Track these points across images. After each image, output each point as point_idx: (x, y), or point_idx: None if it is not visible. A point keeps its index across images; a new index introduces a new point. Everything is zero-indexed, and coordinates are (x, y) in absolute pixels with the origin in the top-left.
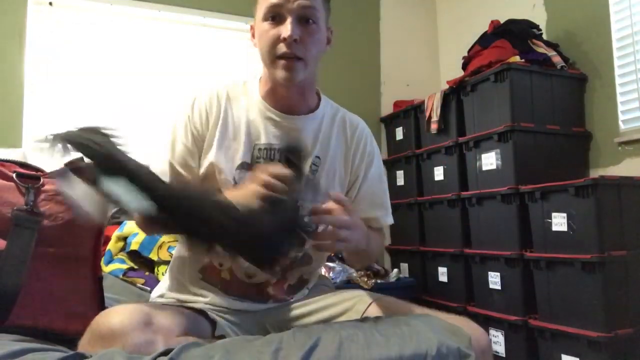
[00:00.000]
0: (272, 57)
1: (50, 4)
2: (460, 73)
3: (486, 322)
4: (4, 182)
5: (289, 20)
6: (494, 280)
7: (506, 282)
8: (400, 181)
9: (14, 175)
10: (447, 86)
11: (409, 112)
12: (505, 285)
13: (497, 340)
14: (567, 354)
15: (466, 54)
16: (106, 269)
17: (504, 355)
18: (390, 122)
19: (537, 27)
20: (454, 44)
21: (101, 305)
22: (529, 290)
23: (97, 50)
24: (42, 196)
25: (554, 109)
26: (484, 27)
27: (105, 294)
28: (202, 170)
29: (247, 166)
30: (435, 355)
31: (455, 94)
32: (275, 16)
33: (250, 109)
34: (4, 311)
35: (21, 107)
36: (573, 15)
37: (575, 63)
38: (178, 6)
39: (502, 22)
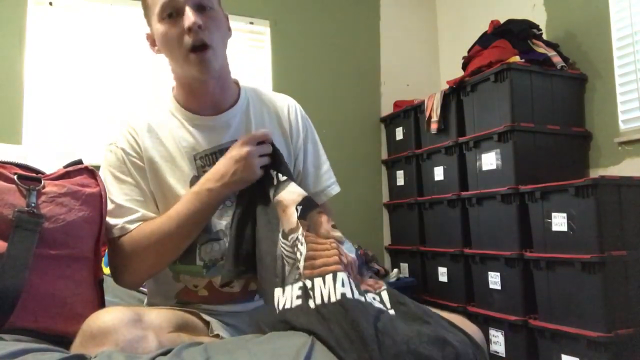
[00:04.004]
0: (182, 53)
1: (50, 4)
2: (460, 73)
3: (486, 322)
4: (5, 184)
5: (187, 10)
6: (494, 280)
7: (506, 282)
8: (400, 181)
9: (15, 177)
10: (447, 86)
11: (409, 112)
12: (505, 285)
13: (497, 340)
14: (567, 354)
15: (466, 54)
16: (107, 270)
17: (504, 355)
18: (390, 122)
19: (537, 27)
20: (454, 44)
21: (102, 307)
22: (529, 290)
23: (96, 50)
24: (43, 198)
25: (554, 109)
26: (484, 27)
27: (106, 296)
28: (157, 196)
29: (197, 180)
30: None
31: (455, 94)
32: (171, 13)
33: (175, 126)
34: (5, 313)
35: (21, 106)
36: (573, 15)
37: (575, 63)
38: None
39: (502, 22)
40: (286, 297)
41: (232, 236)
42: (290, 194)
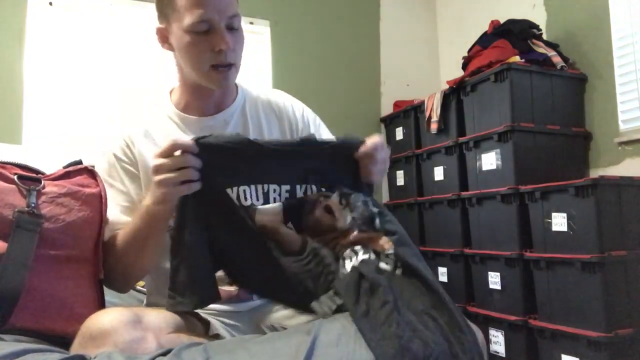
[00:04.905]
0: (204, 68)
1: (50, 4)
2: (460, 73)
3: (486, 322)
4: (5, 184)
5: (221, 31)
6: (494, 280)
7: (506, 282)
8: (400, 181)
9: (15, 177)
10: (447, 86)
11: (409, 112)
12: (505, 285)
13: (497, 340)
14: (567, 354)
15: (466, 54)
16: None
17: (504, 355)
18: (390, 122)
19: (537, 27)
20: (454, 44)
21: (102, 308)
22: (529, 290)
23: (96, 50)
24: (43, 198)
25: (554, 109)
26: (484, 27)
27: (106, 296)
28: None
29: None
30: None
31: (455, 94)
32: (205, 28)
33: (173, 130)
34: (5, 313)
35: (21, 106)
36: (573, 15)
37: (575, 63)
38: None
39: (502, 22)
40: (323, 308)
41: (174, 265)
42: (269, 216)
